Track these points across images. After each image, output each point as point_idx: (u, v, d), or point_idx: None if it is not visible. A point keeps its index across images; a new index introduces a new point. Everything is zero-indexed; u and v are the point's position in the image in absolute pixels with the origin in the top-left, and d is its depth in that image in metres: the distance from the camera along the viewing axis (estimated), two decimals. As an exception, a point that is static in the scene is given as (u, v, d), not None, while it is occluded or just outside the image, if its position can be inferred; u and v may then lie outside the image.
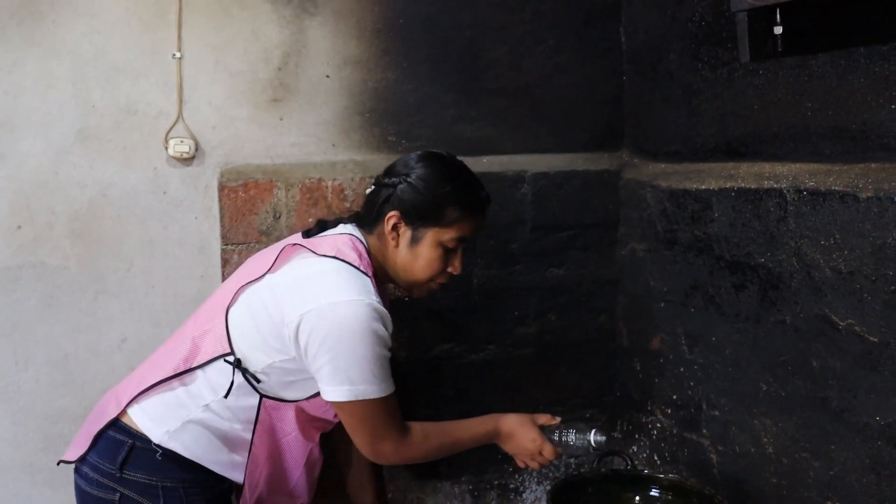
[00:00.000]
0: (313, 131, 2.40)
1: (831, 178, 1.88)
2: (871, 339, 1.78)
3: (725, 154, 2.25)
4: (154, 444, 1.81)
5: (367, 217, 1.98)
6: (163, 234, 2.33)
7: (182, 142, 2.29)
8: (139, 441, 1.81)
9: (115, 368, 2.33)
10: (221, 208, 2.33)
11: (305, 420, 1.93)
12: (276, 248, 1.96)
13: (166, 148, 2.29)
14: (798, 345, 1.99)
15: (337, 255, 1.84)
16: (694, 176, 2.34)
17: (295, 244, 1.91)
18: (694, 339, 2.38)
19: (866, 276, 1.77)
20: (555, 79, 2.61)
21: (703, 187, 2.27)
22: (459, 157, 2.51)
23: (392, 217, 1.91)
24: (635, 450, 2.69)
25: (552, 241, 2.65)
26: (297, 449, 1.96)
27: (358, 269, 1.83)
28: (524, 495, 2.76)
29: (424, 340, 2.57)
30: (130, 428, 1.83)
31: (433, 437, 1.97)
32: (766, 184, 2.05)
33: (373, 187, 2.00)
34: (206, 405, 1.83)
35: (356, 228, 1.98)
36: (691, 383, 2.40)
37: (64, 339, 2.30)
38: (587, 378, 2.77)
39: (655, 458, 2.61)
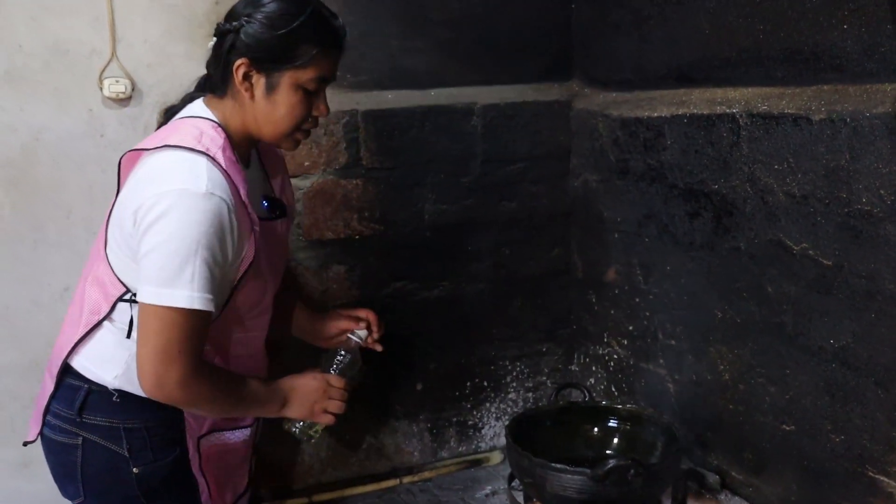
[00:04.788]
0: (254, 67, 2.32)
1: (784, 102, 1.86)
2: (825, 262, 1.79)
3: (677, 80, 2.22)
4: (109, 388, 1.76)
5: (215, 75, 1.76)
6: (102, 179, 2.24)
7: (117, 81, 2.19)
8: (94, 385, 1.76)
9: (59, 319, 2.21)
10: (162, 150, 2.25)
11: (243, 315, 1.81)
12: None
13: (101, 88, 2.20)
14: (752, 271, 1.99)
15: (166, 143, 1.65)
16: (645, 104, 2.31)
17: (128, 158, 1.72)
18: (648, 268, 2.38)
19: (819, 200, 1.77)
20: (502, 8, 2.54)
21: (655, 115, 2.24)
22: (407, 91, 2.48)
23: (241, 66, 1.69)
24: (592, 382, 2.71)
25: (504, 173, 2.62)
26: (251, 346, 1.89)
27: (192, 149, 1.63)
28: (483, 431, 2.76)
29: (376, 279, 2.54)
30: (82, 374, 1.77)
31: (222, 382, 1.74)
32: (719, 109, 2.03)
33: (214, 39, 1.76)
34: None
35: (205, 105, 1.78)
36: (647, 313, 2.41)
37: (3, 291, 2.23)
38: (542, 312, 2.77)
39: (613, 389, 2.62)
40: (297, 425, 1.95)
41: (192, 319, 1.61)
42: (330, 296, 2.47)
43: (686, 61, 2.18)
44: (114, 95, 2.20)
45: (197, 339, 1.65)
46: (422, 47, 2.47)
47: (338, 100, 2.40)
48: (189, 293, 1.59)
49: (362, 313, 2.12)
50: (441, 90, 2.51)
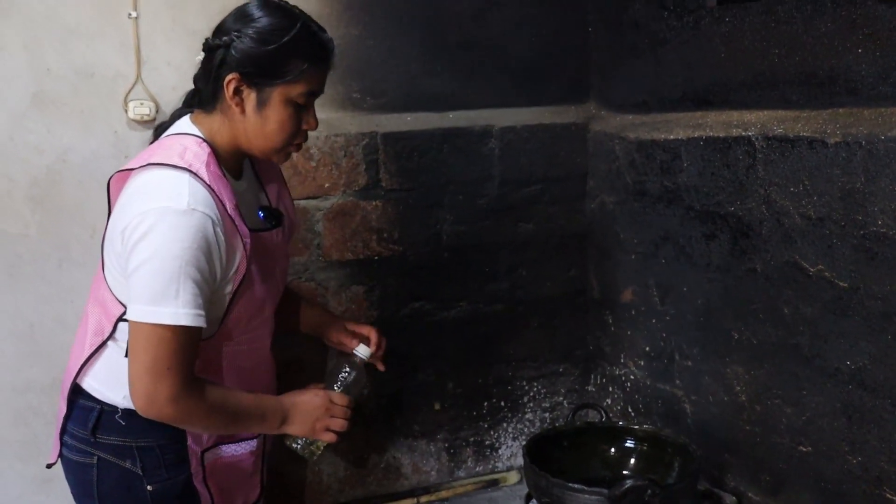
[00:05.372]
0: (276, 90, 2.35)
1: (799, 125, 1.87)
2: (841, 284, 1.79)
3: (693, 103, 2.23)
4: (119, 408, 1.78)
5: (205, 90, 1.76)
6: (125, 200, 2.27)
7: (142, 104, 2.23)
8: (106, 406, 1.78)
9: (82, 337, 2.28)
10: (185, 171, 2.28)
11: (243, 327, 1.81)
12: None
13: (126, 111, 2.23)
14: (769, 292, 2.00)
15: (150, 162, 1.66)
16: (662, 126, 2.32)
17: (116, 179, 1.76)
18: (665, 289, 2.38)
19: (835, 222, 1.78)
20: (520, 31, 2.57)
21: (672, 137, 2.26)
22: (426, 113, 2.50)
23: (231, 80, 1.69)
24: (609, 402, 2.71)
25: (521, 195, 2.63)
26: (254, 357, 1.89)
27: (175, 166, 1.64)
28: (500, 451, 2.76)
29: (394, 299, 2.55)
30: (92, 395, 1.79)
31: (217, 398, 1.71)
32: (735, 132, 2.04)
33: (203, 53, 1.75)
34: None
35: (191, 122, 1.78)
36: (663, 334, 2.41)
37: (28, 310, 2.25)
38: (559, 332, 2.77)
39: (630, 409, 2.62)
40: (298, 442, 1.94)
41: (179, 336, 1.61)
42: (349, 316, 2.48)
43: (702, 84, 2.19)
44: (138, 117, 2.23)
45: (186, 355, 1.64)
46: (441, 70, 2.50)
47: (358, 122, 2.44)
48: (174, 310, 1.59)
49: (364, 330, 2.13)
50: (459, 113, 2.53)
